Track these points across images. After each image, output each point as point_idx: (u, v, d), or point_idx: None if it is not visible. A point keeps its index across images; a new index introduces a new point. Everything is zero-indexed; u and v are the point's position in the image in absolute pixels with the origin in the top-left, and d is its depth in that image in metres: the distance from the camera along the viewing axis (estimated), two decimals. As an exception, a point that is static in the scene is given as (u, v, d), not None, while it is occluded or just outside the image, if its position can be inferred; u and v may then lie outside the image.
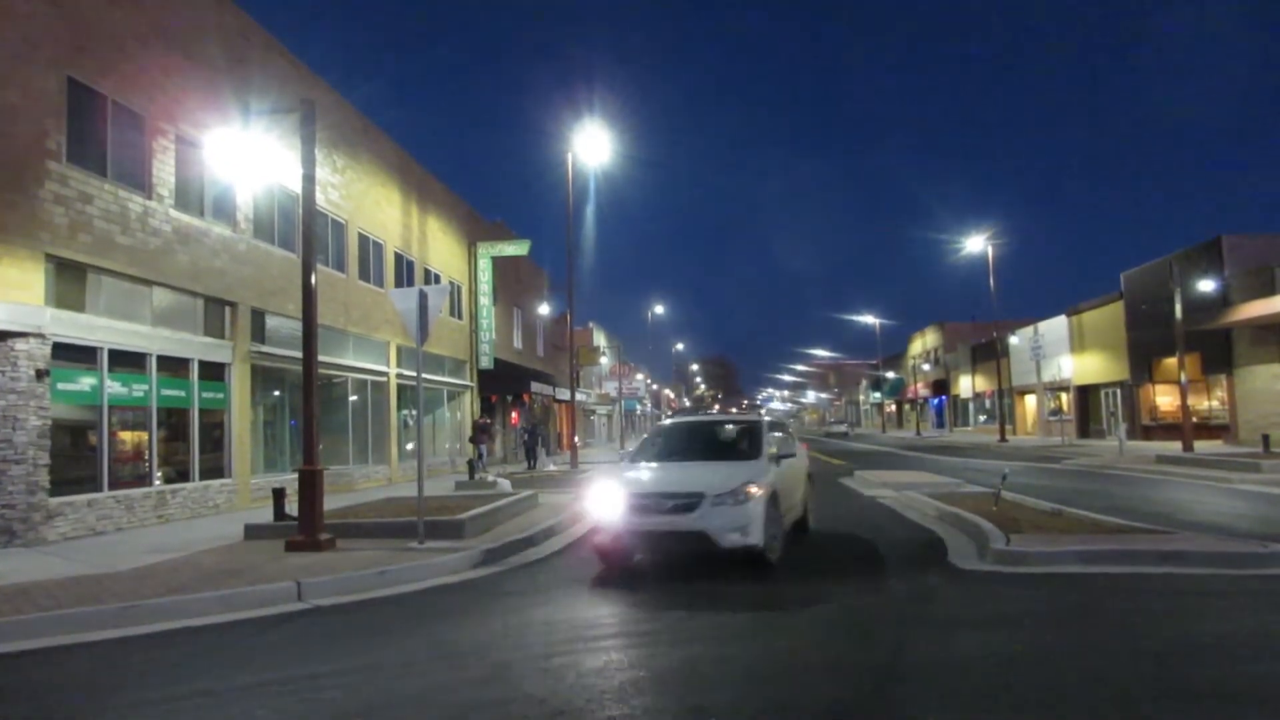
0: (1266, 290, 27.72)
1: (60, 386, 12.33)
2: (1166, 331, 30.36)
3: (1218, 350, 31.26)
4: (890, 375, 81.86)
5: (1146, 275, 36.06)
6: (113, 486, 13.29)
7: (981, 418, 59.17)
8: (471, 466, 22.73)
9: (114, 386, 13.39)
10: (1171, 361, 31.36)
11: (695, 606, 7.65)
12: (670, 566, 9.59)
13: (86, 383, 12.94)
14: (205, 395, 15.57)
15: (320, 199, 19.38)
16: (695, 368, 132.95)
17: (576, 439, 34.21)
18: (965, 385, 62.30)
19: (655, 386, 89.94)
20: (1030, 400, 50.76)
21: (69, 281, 12.70)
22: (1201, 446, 27.23)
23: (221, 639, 6.96)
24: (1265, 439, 22.81)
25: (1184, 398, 28.22)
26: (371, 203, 23.33)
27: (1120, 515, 12.17)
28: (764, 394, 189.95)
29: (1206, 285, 30.03)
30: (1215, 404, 33.07)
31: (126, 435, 13.97)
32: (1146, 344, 35.81)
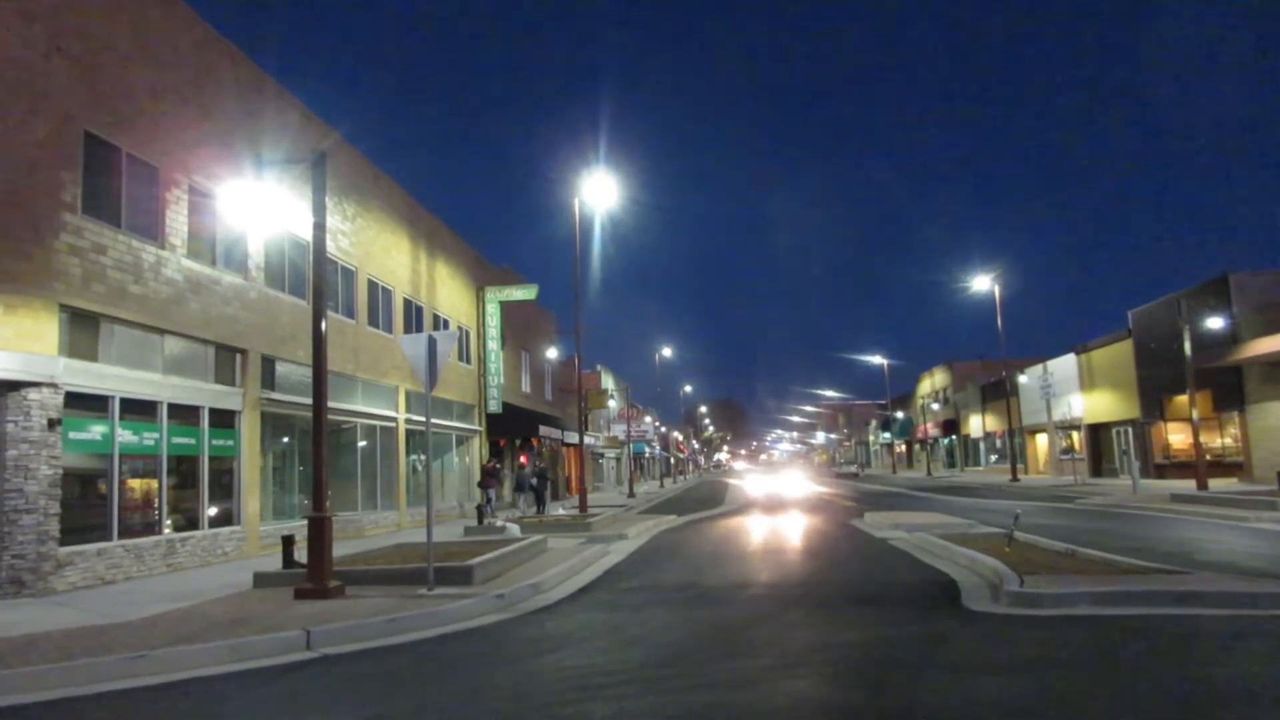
0: (1275, 327, 27.69)
1: (72, 435, 12.39)
2: (1176, 369, 30.30)
3: (1229, 387, 31.14)
4: (900, 415, 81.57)
5: (1154, 313, 36.06)
6: (122, 535, 13.28)
7: (993, 457, 58.79)
8: (480, 511, 22.65)
9: (125, 435, 13.45)
10: (1183, 399, 31.21)
11: (710, 652, 7.58)
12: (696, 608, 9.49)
13: (98, 431, 13.00)
14: (215, 443, 15.61)
15: (331, 246, 19.60)
16: (704, 410, 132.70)
17: (585, 483, 34.07)
18: (975, 425, 62.01)
19: (664, 429, 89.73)
20: (1041, 439, 50.47)
21: (82, 331, 12.82)
22: (1216, 484, 27.01)
23: (230, 689, 6.92)
24: (1280, 476, 22.61)
25: (1196, 435, 28.05)
26: (381, 249, 23.57)
27: (1135, 556, 12.05)
28: (773, 435, 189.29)
29: (1215, 322, 30.04)
30: (1228, 441, 32.86)
31: (136, 483, 13.99)
32: (1157, 381, 35.69)
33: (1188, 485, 27.21)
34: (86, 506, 12.84)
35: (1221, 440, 33.23)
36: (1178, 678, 6.28)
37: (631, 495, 41.45)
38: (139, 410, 13.81)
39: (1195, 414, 28.13)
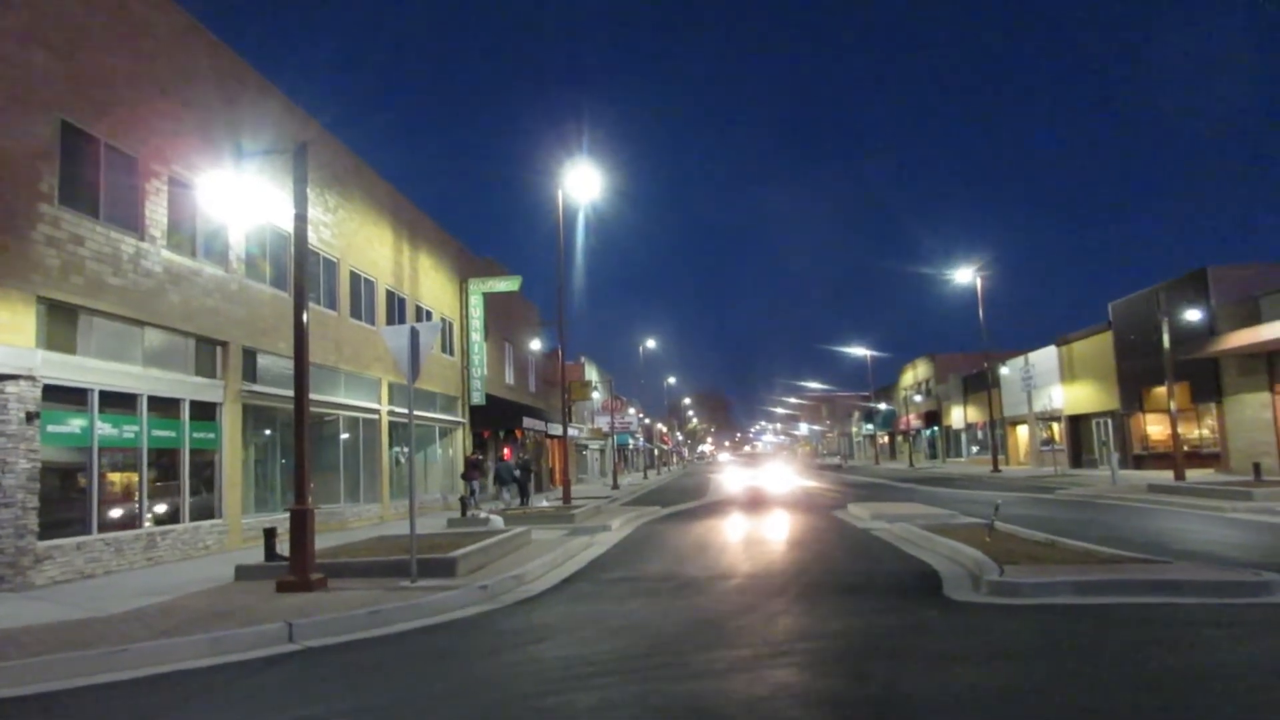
0: (1252, 320, 27.98)
1: (50, 429, 12.26)
2: (1155, 361, 30.57)
3: (1207, 379, 31.47)
4: (882, 407, 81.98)
5: (1134, 305, 36.36)
6: (102, 529, 13.17)
7: (974, 448, 59.20)
8: (464, 503, 22.62)
9: (104, 428, 13.32)
10: (1161, 391, 31.52)
11: (693, 642, 7.62)
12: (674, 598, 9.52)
13: (77, 424, 12.88)
14: (196, 435, 15.50)
15: (312, 238, 19.46)
16: (688, 401, 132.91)
17: (569, 475, 34.06)
18: (957, 416, 62.41)
19: (648, 421, 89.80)
20: (1022, 430, 50.85)
21: (60, 323, 12.69)
22: (1193, 475, 27.29)
23: (212, 682, 6.89)
24: (1256, 467, 22.93)
25: (1174, 426, 28.34)
26: (363, 241, 23.44)
27: (1114, 545, 12.18)
28: (757, 426, 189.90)
29: (1193, 315, 30.33)
30: (1206, 432, 33.20)
31: (116, 477, 13.88)
32: (1136, 373, 36.02)
33: (1166, 476, 27.50)
34: (66, 500, 12.73)
35: (1199, 431, 33.58)
36: (1156, 664, 6.36)
37: (615, 487, 41.50)
38: (119, 403, 13.69)
39: (1174, 405, 28.41)
